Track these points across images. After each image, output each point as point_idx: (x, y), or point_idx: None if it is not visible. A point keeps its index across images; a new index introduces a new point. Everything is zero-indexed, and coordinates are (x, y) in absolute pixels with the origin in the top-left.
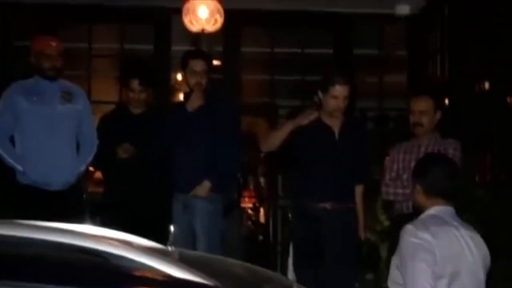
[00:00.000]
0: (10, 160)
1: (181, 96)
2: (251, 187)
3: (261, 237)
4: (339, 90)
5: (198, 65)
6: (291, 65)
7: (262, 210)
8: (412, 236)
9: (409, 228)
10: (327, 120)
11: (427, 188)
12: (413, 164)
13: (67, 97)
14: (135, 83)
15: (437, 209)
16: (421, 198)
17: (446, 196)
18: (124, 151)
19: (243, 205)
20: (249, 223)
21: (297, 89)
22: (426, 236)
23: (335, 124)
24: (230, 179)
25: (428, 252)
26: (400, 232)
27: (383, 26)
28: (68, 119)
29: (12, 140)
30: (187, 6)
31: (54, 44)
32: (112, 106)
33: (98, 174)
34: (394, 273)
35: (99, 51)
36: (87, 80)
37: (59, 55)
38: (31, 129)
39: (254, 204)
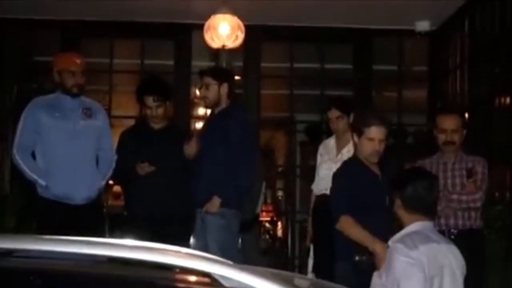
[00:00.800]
0: (32, 175)
1: (200, 110)
2: (269, 201)
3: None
4: (376, 132)
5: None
6: (310, 80)
7: (280, 224)
8: (405, 255)
9: (400, 247)
10: (368, 165)
11: (406, 203)
12: (441, 181)
13: (88, 113)
14: (149, 100)
15: (419, 225)
16: (401, 212)
17: (425, 211)
18: (142, 169)
19: (260, 218)
20: (267, 236)
21: (316, 104)
22: (417, 255)
23: (374, 167)
24: (243, 195)
25: (421, 271)
26: (389, 251)
27: (403, 42)
28: (89, 135)
29: (33, 154)
30: (208, 22)
31: (78, 61)
32: (132, 121)
33: (117, 188)
34: None
35: (120, 66)
36: (107, 95)
37: (83, 72)
38: (54, 144)
39: (272, 218)
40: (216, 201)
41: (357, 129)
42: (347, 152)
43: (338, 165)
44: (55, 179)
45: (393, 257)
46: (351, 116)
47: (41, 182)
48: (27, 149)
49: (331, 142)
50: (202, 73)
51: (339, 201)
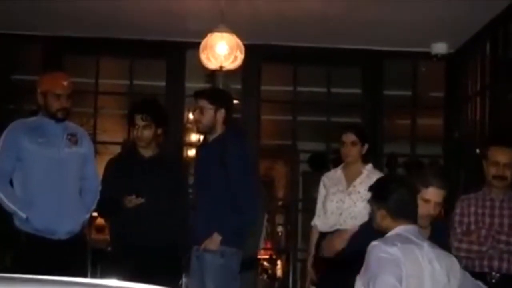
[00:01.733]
0: (11, 206)
1: (193, 137)
2: (268, 237)
3: None
4: (433, 194)
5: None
6: (315, 105)
7: (279, 263)
8: (381, 251)
9: (377, 244)
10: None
11: (393, 212)
12: (487, 219)
13: (73, 139)
14: (138, 118)
15: (402, 228)
16: (387, 222)
17: (410, 217)
18: (130, 202)
19: (258, 256)
20: (265, 276)
21: (321, 132)
22: (394, 251)
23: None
24: (246, 232)
25: (397, 266)
26: (367, 250)
27: (417, 65)
28: (74, 163)
29: (10, 183)
30: (204, 41)
31: (65, 83)
32: (119, 148)
33: (100, 220)
34: None
35: (106, 87)
36: (92, 118)
37: (69, 96)
38: (35, 173)
39: (270, 256)
40: (216, 239)
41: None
42: (360, 183)
43: (352, 197)
44: (37, 211)
45: (370, 254)
46: (365, 147)
47: (21, 214)
48: (6, 176)
49: (337, 172)
50: (197, 95)
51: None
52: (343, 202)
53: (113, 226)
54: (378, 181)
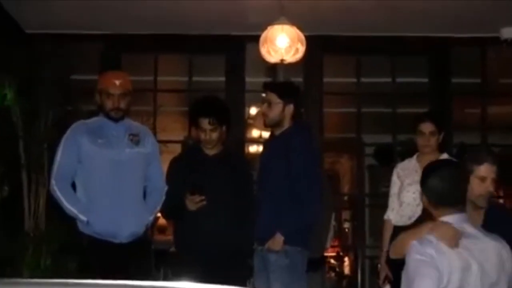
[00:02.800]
0: (72, 209)
1: (254, 132)
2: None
3: None
4: (488, 170)
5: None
6: (380, 96)
7: (347, 260)
8: (417, 253)
9: (414, 244)
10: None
11: (429, 198)
12: None
13: (135, 139)
14: (205, 123)
15: (445, 219)
16: (430, 209)
17: (453, 204)
18: (193, 204)
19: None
20: (332, 274)
21: (387, 124)
22: (430, 251)
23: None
24: (310, 230)
25: (432, 267)
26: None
27: (486, 51)
28: (136, 164)
29: (73, 185)
30: (264, 34)
31: (117, 82)
32: (179, 146)
33: (162, 221)
34: None
35: (165, 84)
36: (152, 117)
37: (125, 94)
38: (97, 175)
39: (338, 253)
40: (279, 239)
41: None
42: None
43: None
44: (98, 214)
45: (408, 256)
46: (441, 136)
47: (81, 217)
48: (67, 179)
49: (411, 162)
50: (266, 87)
51: None
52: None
53: (178, 227)
54: (423, 167)
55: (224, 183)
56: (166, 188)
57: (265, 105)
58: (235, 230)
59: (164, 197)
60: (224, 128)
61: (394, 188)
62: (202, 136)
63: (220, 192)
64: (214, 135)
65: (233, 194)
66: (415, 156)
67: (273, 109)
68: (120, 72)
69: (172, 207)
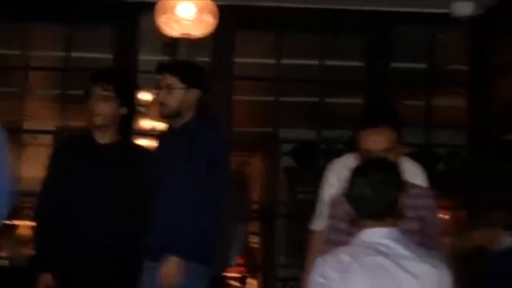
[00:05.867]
0: None
1: (146, 124)
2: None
3: None
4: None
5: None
6: (304, 83)
7: (254, 282)
8: (318, 274)
9: (317, 261)
10: None
11: (352, 207)
12: None
13: None
14: (97, 88)
15: (364, 234)
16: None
17: (368, 215)
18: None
19: (225, 274)
20: None
21: (311, 116)
22: (333, 274)
23: None
24: (211, 243)
25: None
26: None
27: (435, 32)
28: None
29: None
30: (163, 3)
31: None
32: (51, 137)
33: (22, 230)
34: None
35: (37, 61)
36: (20, 100)
37: None
38: None
39: (242, 274)
40: (173, 262)
41: None
42: None
43: None
44: None
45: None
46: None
47: None
48: None
49: (350, 160)
50: (163, 69)
51: None
52: None
53: (41, 239)
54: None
55: (115, 181)
56: (8, 189)
57: (163, 91)
58: (123, 242)
59: (7, 200)
60: (121, 108)
61: (328, 192)
62: (89, 105)
63: (109, 190)
64: (106, 107)
65: (127, 196)
66: (353, 154)
67: (173, 95)
68: None
69: (43, 206)
